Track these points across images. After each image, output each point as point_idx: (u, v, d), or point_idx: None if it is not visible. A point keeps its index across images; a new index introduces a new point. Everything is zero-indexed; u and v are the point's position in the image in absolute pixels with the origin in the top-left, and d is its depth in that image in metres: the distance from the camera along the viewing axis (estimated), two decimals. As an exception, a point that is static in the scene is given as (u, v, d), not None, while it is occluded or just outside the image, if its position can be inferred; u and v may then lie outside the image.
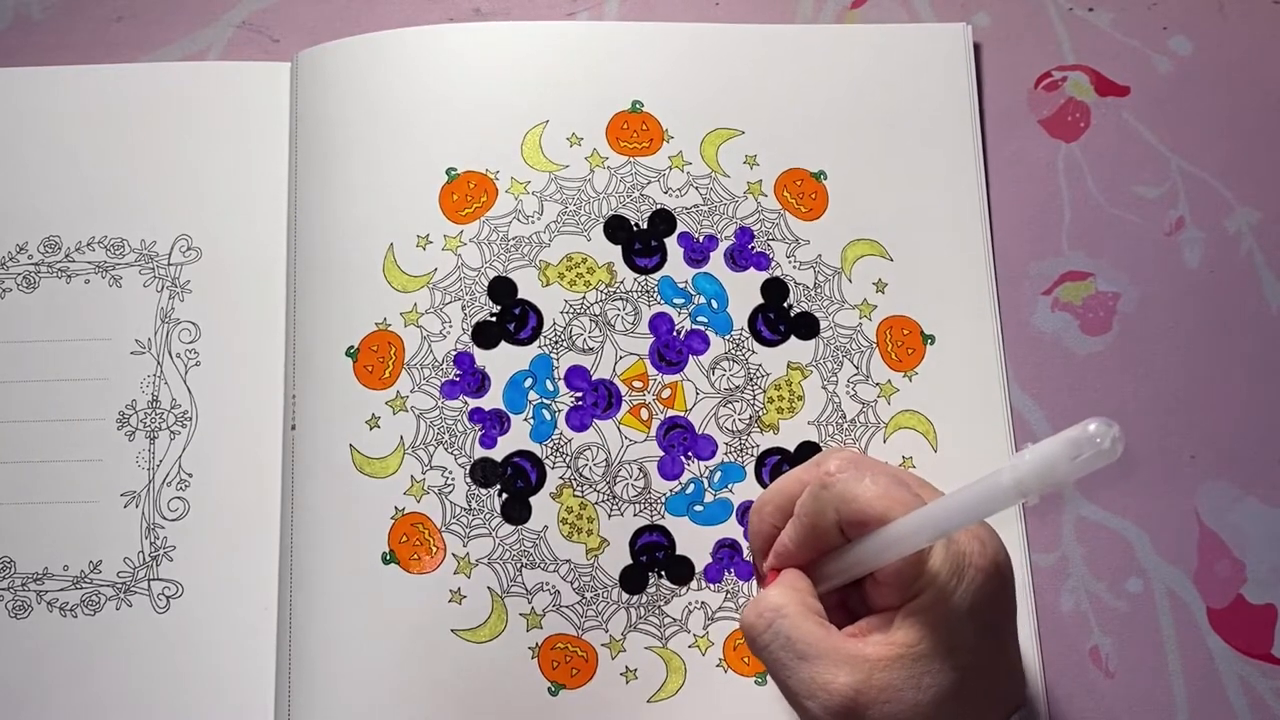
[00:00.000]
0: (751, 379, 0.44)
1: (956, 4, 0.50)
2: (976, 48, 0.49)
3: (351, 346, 0.44)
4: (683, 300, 0.45)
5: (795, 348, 0.45)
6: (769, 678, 0.42)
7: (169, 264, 0.46)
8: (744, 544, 0.43)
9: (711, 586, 0.43)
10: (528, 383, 0.44)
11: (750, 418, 0.44)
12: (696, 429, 0.44)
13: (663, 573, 0.43)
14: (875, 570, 0.35)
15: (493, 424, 0.43)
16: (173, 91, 0.48)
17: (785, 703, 0.41)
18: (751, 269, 0.45)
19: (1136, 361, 0.46)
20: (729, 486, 0.44)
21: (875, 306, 0.45)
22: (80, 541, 0.44)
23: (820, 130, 0.47)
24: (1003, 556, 0.35)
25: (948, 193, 0.47)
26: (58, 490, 0.44)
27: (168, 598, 0.43)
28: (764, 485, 0.43)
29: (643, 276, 0.45)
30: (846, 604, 0.38)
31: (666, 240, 0.45)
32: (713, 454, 0.44)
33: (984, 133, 0.48)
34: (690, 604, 0.43)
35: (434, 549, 0.42)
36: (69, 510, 0.44)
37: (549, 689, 0.41)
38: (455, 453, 0.43)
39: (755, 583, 0.43)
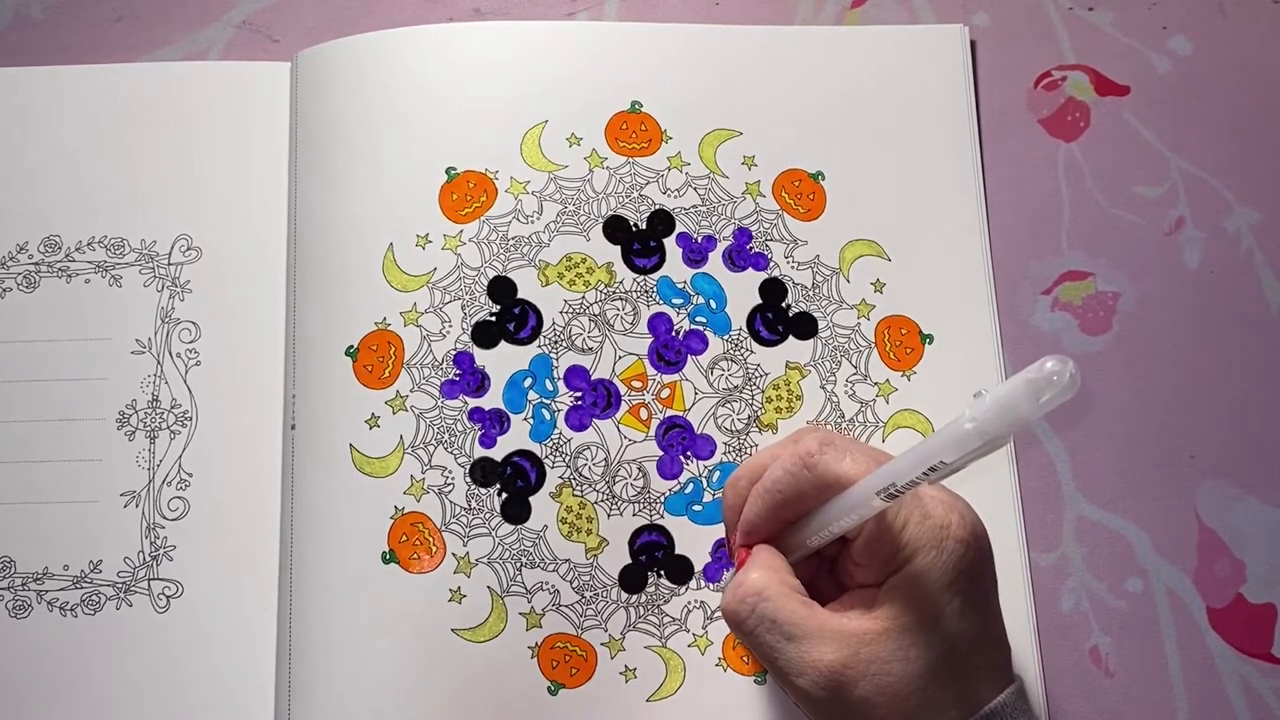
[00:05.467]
0: (750, 379, 0.44)
1: (956, 4, 0.50)
2: (975, 47, 0.49)
3: (351, 346, 0.44)
4: (681, 300, 0.45)
5: (794, 347, 0.45)
6: (769, 676, 0.42)
7: (169, 264, 0.46)
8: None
9: (710, 586, 0.43)
10: (527, 382, 0.44)
11: (749, 417, 0.44)
12: (695, 429, 0.44)
13: (662, 572, 0.43)
14: (851, 541, 0.35)
15: (492, 423, 0.43)
16: (173, 91, 0.48)
17: (785, 702, 0.42)
18: (750, 269, 0.45)
19: (1136, 361, 0.46)
20: (728, 486, 0.44)
21: (874, 306, 0.45)
22: (80, 541, 0.44)
23: (818, 131, 0.47)
24: (981, 529, 0.35)
25: (946, 193, 0.47)
26: (58, 490, 0.44)
27: (168, 598, 0.43)
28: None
29: (642, 276, 0.45)
30: (826, 582, 0.38)
31: (665, 240, 0.45)
32: (712, 453, 0.44)
33: (983, 132, 0.48)
34: (689, 603, 0.43)
35: (434, 548, 0.42)
36: (69, 510, 0.44)
37: (548, 688, 0.41)
38: (455, 452, 0.43)
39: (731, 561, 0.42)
